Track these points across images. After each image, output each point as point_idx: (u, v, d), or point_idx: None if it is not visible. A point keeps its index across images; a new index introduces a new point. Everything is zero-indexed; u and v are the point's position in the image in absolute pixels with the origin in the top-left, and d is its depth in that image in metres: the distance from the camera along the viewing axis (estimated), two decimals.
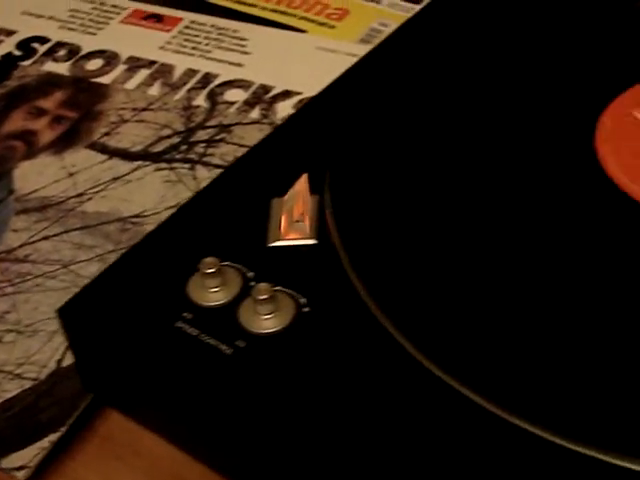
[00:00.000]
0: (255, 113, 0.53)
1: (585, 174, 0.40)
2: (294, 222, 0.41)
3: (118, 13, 0.61)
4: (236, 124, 0.53)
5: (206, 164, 0.51)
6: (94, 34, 0.59)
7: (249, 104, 0.54)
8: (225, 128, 0.53)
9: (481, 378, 0.34)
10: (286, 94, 0.54)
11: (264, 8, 0.60)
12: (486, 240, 0.39)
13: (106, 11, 0.61)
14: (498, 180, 0.41)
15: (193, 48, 0.58)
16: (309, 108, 0.47)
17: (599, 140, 0.42)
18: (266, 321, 0.38)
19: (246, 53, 0.57)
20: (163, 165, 0.51)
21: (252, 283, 0.39)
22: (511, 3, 0.49)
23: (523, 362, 0.35)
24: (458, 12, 0.49)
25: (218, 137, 0.52)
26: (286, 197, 0.42)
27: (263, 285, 0.38)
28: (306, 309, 0.38)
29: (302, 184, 0.42)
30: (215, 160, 0.51)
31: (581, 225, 0.39)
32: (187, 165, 0.51)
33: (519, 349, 0.35)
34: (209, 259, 0.39)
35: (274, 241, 0.40)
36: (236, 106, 0.54)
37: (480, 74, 0.45)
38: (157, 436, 0.41)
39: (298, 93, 0.54)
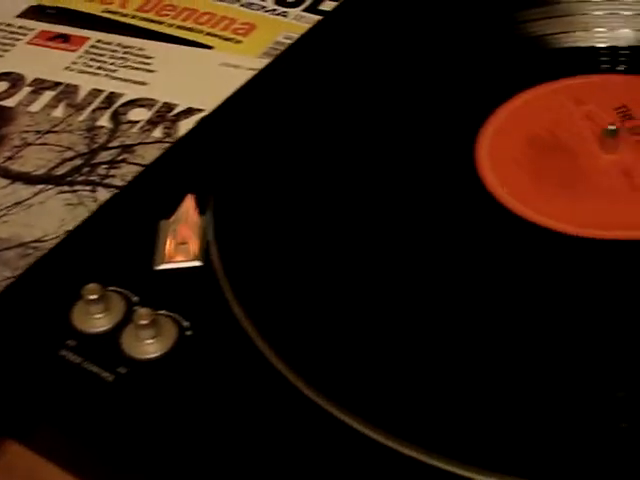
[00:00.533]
0: (158, 132, 0.53)
1: (462, 179, 0.41)
2: (179, 244, 0.40)
3: (25, 34, 0.60)
4: (138, 144, 0.52)
5: (107, 186, 0.50)
6: (0, 56, 0.59)
7: (152, 123, 0.53)
8: (127, 148, 0.52)
9: (357, 401, 0.34)
10: (189, 112, 0.54)
11: (171, 25, 0.60)
12: (363, 268, 0.39)
13: (13, 32, 0.61)
14: (380, 206, 0.41)
15: (99, 68, 0.57)
16: (201, 127, 0.47)
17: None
18: (148, 346, 0.37)
19: (151, 71, 0.57)
20: (65, 188, 0.51)
21: (136, 308, 0.39)
22: (403, 17, 0.48)
23: (386, 377, 0.35)
24: (351, 28, 0.49)
25: (120, 158, 0.52)
26: (172, 219, 0.41)
27: (143, 310, 0.38)
28: (189, 332, 0.38)
29: (187, 205, 0.42)
30: (116, 181, 0.50)
31: (453, 233, 0.39)
32: (89, 187, 0.51)
33: (385, 366, 0.35)
34: (91, 285, 0.39)
35: (160, 264, 0.40)
36: (139, 125, 0.53)
37: (366, 92, 0.45)
38: (56, 465, 0.41)
39: (200, 110, 0.53)
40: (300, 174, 0.42)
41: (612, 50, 0.44)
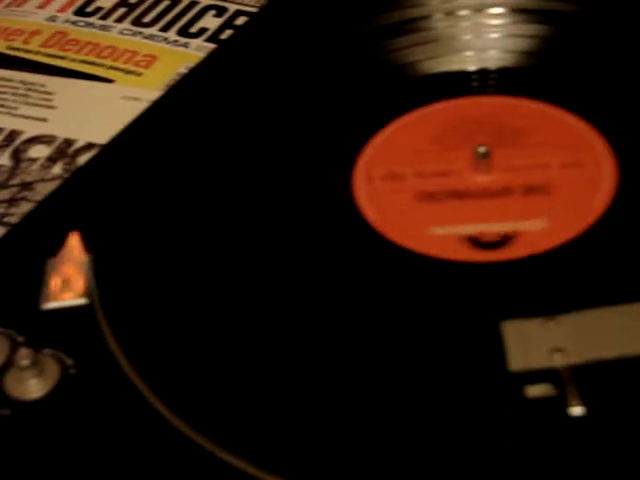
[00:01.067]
0: (58, 168, 0.53)
1: (339, 207, 0.42)
2: (64, 283, 0.41)
3: None
4: (38, 181, 0.53)
5: (6, 224, 0.50)
6: None
7: (52, 159, 0.54)
8: (27, 186, 0.52)
9: (233, 437, 0.34)
10: (89, 147, 0.54)
11: (73, 60, 0.60)
12: (236, 306, 0.39)
13: None
14: (256, 248, 0.41)
15: (0, 106, 0.58)
16: (92, 163, 0.47)
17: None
18: (31, 386, 0.37)
19: (52, 107, 0.57)
20: None
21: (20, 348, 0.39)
22: (289, 49, 0.49)
23: (258, 412, 0.35)
24: (241, 59, 0.50)
25: (20, 196, 0.52)
26: (58, 257, 0.42)
27: (23, 351, 0.38)
28: (72, 371, 0.38)
29: (72, 243, 0.42)
30: (15, 220, 0.50)
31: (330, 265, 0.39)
32: None
33: (258, 401, 0.35)
34: None
35: (46, 303, 0.40)
36: (39, 162, 0.54)
37: (250, 125, 0.46)
38: None
39: (101, 145, 0.53)
40: (181, 212, 0.43)
41: (482, 73, 0.45)
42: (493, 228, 0.40)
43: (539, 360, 0.33)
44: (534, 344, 0.33)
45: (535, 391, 0.32)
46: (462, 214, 0.41)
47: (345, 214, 0.42)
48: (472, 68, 0.45)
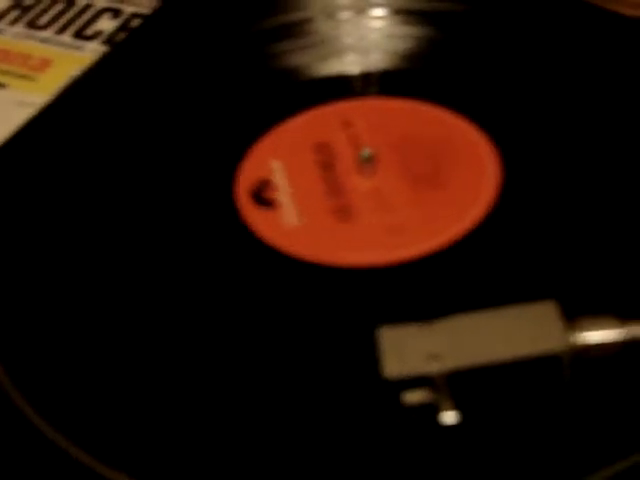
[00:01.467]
0: None
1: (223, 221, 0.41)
2: None
3: None
4: None
5: None
6: None
7: None
8: None
9: (113, 453, 0.34)
10: None
11: None
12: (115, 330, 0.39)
13: None
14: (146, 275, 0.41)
15: None
16: None
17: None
18: None
19: None
20: None
21: None
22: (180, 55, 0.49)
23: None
24: (133, 62, 0.49)
25: None
26: None
27: None
28: None
29: None
30: None
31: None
32: None
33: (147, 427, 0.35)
34: None
35: None
36: None
37: (138, 135, 0.45)
38: None
39: None
40: (69, 223, 0.42)
41: (365, 76, 0.45)
42: (279, 189, 0.42)
43: (415, 366, 0.32)
44: (410, 350, 0.33)
45: (411, 398, 0.32)
46: (297, 168, 0.43)
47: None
48: (356, 71, 0.45)
